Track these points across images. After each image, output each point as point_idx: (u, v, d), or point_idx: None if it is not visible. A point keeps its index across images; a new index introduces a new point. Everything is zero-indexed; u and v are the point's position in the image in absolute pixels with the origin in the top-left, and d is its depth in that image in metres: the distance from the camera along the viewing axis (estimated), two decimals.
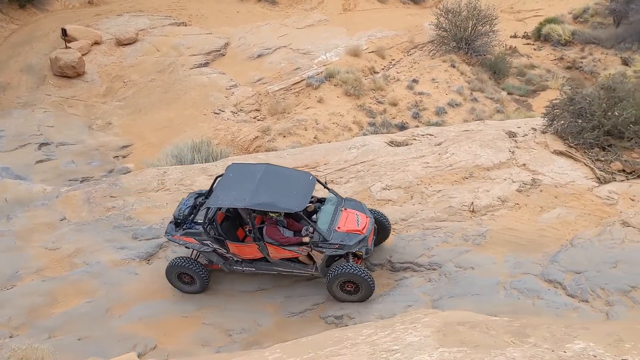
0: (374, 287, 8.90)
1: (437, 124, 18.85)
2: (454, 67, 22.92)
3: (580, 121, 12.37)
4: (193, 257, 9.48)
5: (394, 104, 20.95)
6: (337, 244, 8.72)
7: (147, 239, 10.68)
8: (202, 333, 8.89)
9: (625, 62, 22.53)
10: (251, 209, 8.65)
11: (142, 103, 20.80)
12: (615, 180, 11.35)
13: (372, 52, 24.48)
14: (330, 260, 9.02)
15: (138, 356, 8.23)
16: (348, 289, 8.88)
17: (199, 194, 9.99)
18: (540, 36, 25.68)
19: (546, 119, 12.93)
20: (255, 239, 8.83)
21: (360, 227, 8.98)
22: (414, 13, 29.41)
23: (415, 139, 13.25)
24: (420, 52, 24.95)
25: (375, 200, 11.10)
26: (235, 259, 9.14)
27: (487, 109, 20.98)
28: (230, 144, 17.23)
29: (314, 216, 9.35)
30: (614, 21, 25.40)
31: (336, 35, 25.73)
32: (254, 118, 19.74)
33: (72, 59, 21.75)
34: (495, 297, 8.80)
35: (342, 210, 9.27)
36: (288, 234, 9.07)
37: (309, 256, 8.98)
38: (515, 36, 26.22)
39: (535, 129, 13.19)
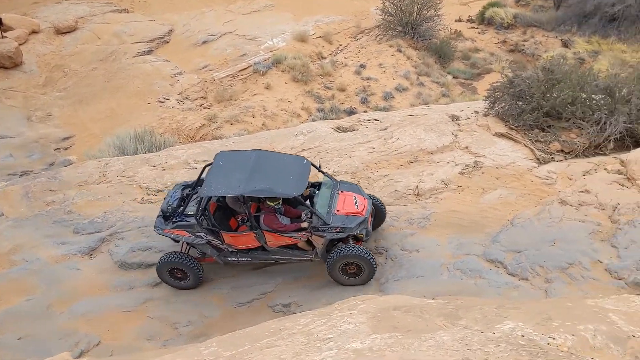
0: (376, 267, 8.81)
1: (385, 109, 18.97)
2: (400, 51, 23.06)
3: (520, 103, 12.66)
4: (183, 251, 9.17)
5: (342, 90, 20.97)
6: (337, 227, 8.55)
7: (88, 233, 10.39)
8: (147, 327, 8.74)
9: (565, 44, 23.13)
10: (247, 197, 8.47)
11: (84, 93, 20.18)
12: (554, 160, 11.68)
13: (319, 37, 24.38)
14: (330, 244, 8.88)
15: (81, 354, 8.05)
16: (350, 271, 8.79)
17: (185, 185, 9.68)
18: (484, 20, 26.07)
19: (488, 102, 13.19)
20: (252, 228, 8.58)
21: (360, 209, 8.85)
22: None
23: (361, 125, 13.30)
24: (367, 37, 24.98)
25: None
26: (230, 249, 8.88)
27: (433, 93, 21.23)
28: (175, 133, 16.92)
29: (309, 201, 9.15)
30: (554, 4, 26.02)
31: (283, 21, 25.51)
32: (200, 106, 19.43)
33: (9, 48, 20.88)
34: (439, 278, 8.94)
35: (338, 194, 9.12)
36: (285, 221, 8.83)
37: (308, 242, 8.82)
38: (459, 20, 26.55)
39: (477, 112, 13.43)
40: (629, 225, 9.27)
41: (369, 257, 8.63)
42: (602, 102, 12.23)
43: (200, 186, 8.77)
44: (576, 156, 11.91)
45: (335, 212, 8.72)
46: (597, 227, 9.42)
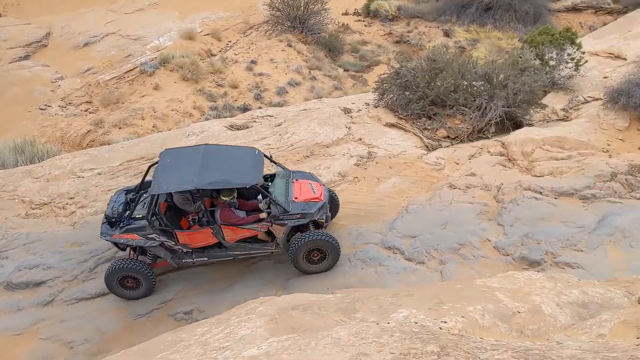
0: (340, 250, 8.76)
1: (279, 104, 18.94)
2: (290, 46, 23.08)
3: (407, 93, 13.07)
4: (132, 257, 8.68)
5: (235, 86, 20.68)
6: (298, 214, 8.45)
7: None
8: (39, 350, 8.19)
9: (447, 34, 24.14)
10: (201, 192, 8.18)
11: None
12: (442, 147, 12.18)
13: (208, 34, 23.94)
14: (290, 234, 8.74)
15: None
16: (314, 258, 8.71)
17: (128, 190, 9.21)
18: (369, 13, 26.61)
19: (377, 93, 13.50)
20: (208, 223, 8.29)
21: (317, 195, 8.79)
22: None
23: (255, 121, 13.18)
24: (256, 32, 24.82)
25: None
26: (185, 250, 8.50)
27: (325, 86, 21.44)
28: (59, 141, 15.96)
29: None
30: None
31: (168, 19, 24.82)
32: (85, 111, 18.46)
33: None
34: (341, 269, 9.06)
35: (293, 182, 9.02)
36: (241, 214, 8.57)
37: (268, 233, 8.63)
38: (346, 13, 26.96)
39: (368, 104, 13.73)
40: (512, 204, 9.83)
41: (333, 242, 8.59)
42: (482, 88, 12.88)
43: (145, 189, 8.51)
44: (462, 141, 12.49)
45: (294, 199, 8.64)
46: (484, 207, 9.92)
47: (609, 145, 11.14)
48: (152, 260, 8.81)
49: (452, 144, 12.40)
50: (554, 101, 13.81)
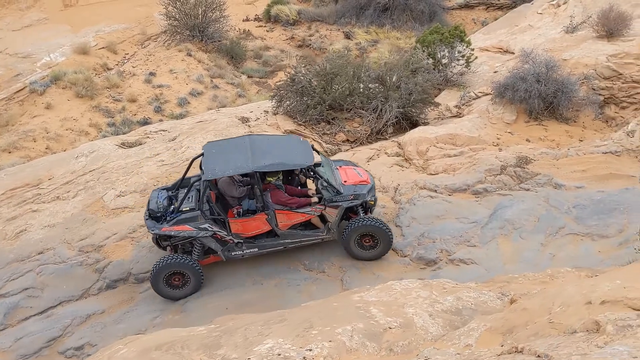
0: (392, 238, 8.64)
1: (181, 116, 18.41)
2: (190, 55, 22.53)
3: (305, 99, 12.96)
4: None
5: (133, 100, 19.91)
6: (351, 195, 8.48)
7: None
8: None
9: (348, 36, 24.33)
10: (255, 176, 8.13)
11: None
12: (341, 151, 12.17)
13: (103, 48, 23.00)
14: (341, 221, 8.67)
15: None
16: (366, 244, 8.61)
17: (166, 189, 9.09)
18: (270, 18, 26.45)
19: (275, 100, 13.32)
20: (263, 208, 8.24)
21: (365, 178, 8.92)
22: (143, 3, 28.13)
23: (148, 137, 12.68)
24: (154, 43, 24.07)
25: (110, 210, 10.35)
26: (236, 240, 8.38)
27: (229, 94, 21.06)
28: None
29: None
30: None
31: (60, 34, 23.69)
32: None
33: None
34: (243, 287, 8.79)
35: (337, 168, 9.08)
36: None
37: (321, 219, 8.60)
38: (247, 19, 26.67)
39: (267, 112, 13.53)
40: (409, 204, 9.91)
41: (384, 228, 8.49)
42: (377, 90, 12.98)
43: (185, 186, 8.57)
44: (361, 144, 12.54)
45: (343, 183, 8.68)
46: (382, 209, 9.93)
47: (498, 139, 11.47)
48: (198, 257, 8.55)
49: (352, 147, 12.41)
50: (448, 98, 14.14)
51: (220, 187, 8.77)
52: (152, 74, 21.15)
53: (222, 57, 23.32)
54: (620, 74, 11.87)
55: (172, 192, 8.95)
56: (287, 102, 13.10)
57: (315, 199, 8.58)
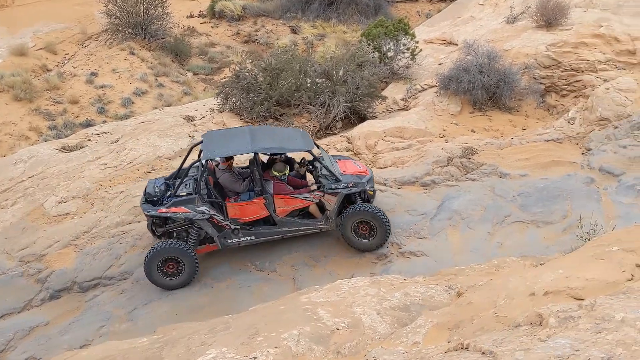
0: (389, 228, 8.57)
1: (125, 116, 17.93)
2: (133, 54, 21.96)
3: (251, 95, 12.78)
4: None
5: (75, 102, 19.29)
6: (350, 183, 8.51)
7: None
8: None
9: (294, 31, 24.18)
10: (257, 156, 8.31)
11: None
12: None
13: (41, 49, 22.24)
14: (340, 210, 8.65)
15: None
16: (362, 231, 8.54)
17: (165, 178, 9.04)
18: (215, 14, 26.07)
19: (220, 98, 13.09)
20: (262, 192, 8.21)
21: (363, 169, 9.02)
22: (83, 2, 27.34)
23: (90, 140, 12.28)
24: (95, 42, 23.39)
25: (51, 218, 9.96)
26: (233, 226, 8.27)
27: (174, 93, 20.62)
28: None
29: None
30: None
31: None
32: None
33: None
34: (192, 290, 8.59)
35: (337, 161, 9.16)
36: None
37: (320, 209, 8.58)
38: (191, 16, 26.22)
39: (213, 110, 13.29)
40: None
41: (380, 215, 8.44)
42: (324, 85, 12.91)
43: (179, 175, 8.56)
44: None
45: (342, 172, 8.75)
46: None
47: (444, 130, 11.58)
48: (193, 244, 8.42)
49: None
50: (395, 91, 14.20)
51: (222, 183, 8.64)
52: (93, 74, 20.55)
53: (167, 54, 22.82)
54: (560, 63, 12.14)
55: (170, 181, 8.91)
56: (233, 100, 12.90)
57: (314, 187, 8.63)
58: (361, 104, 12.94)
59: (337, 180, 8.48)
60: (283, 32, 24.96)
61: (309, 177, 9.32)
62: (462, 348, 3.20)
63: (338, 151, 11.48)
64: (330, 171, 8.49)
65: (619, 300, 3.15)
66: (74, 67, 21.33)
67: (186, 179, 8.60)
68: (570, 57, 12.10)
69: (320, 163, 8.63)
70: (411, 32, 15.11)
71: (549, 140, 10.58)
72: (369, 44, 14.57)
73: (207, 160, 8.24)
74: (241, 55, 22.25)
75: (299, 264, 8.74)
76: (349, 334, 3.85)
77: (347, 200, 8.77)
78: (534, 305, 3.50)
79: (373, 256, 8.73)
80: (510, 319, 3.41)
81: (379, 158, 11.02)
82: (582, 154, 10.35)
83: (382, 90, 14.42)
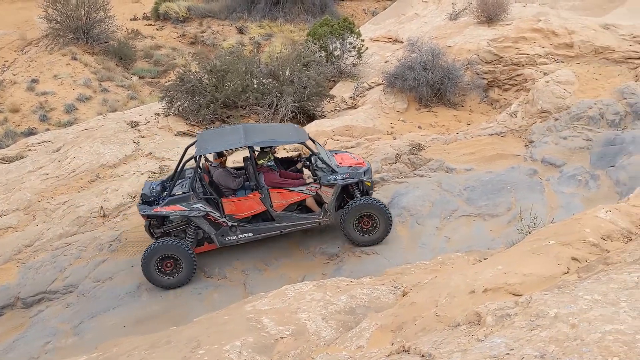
0: (391, 219, 8.49)
1: (69, 123, 17.42)
2: (76, 59, 21.34)
3: (197, 98, 12.59)
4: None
5: (16, 110, 18.66)
6: (346, 174, 8.41)
7: None
8: None
9: (241, 31, 23.97)
10: (251, 150, 8.21)
11: None
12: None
13: None
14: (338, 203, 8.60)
15: None
16: (365, 227, 8.44)
17: (162, 181, 8.99)
18: (159, 16, 25.62)
19: (164, 102, 12.85)
20: (257, 187, 8.20)
21: (360, 161, 8.92)
22: (23, 7, 26.42)
23: (30, 150, 11.88)
24: (36, 48, 22.61)
25: None
26: (230, 223, 8.20)
27: (120, 97, 20.15)
28: None
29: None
30: None
31: None
32: None
33: None
34: (141, 301, 8.39)
35: (333, 155, 9.08)
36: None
37: (318, 203, 8.48)
38: (135, 19, 25.67)
39: (158, 114, 13.04)
40: None
41: (383, 207, 8.38)
42: (271, 85, 12.83)
43: (174, 177, 8.45)
44: None
45: (338, 164, 8.66)
46: None
47: (392, 127, 11.67)
48: (191, 242, 8.38)
49: None
50: (343, 90, 14.23)
51: (216, 180, 8.54)
52: (34, 80, 19.90)
53: (110, 59, 22.29)
54: (501, 58, 12.39)
55: (167, 183, 8.81)
56: (179, 103, 12.68)
57: (310, 180, 8.55)
58: (309, 104, 12.92)
59: (333, 172, 8.41)
60: (229, 32, 24.72)
61: (306, 172, 9.18)
62: (403, 351, 3.20)
63: (287, 152, 11.42)
64: (326, 163, 8.44)
65: (553, 295, 3.19)
66: (14, 75, 20.60)
67: (182, 180, 8.60)
68: (510, 52, 12.35)
69: (316, 156, 8.67)
70: (357, 30, 15.18)
71: (492, 134, 10.78)
72: (315, 44, 14.54)
73: (200, 157, 8.23)
74: (184, 58, 22.01)
75: (249, 269, 8.63)
76: (293, 342, 3.81)
77: (347, 195, 8.78)
78: (474, 303, 3.53)
79: (325, 256, 8.70)
80: (451, 318, 3.43)
81: None
82: (525, 146, 10.59)
83: (331, 89, 14.44)
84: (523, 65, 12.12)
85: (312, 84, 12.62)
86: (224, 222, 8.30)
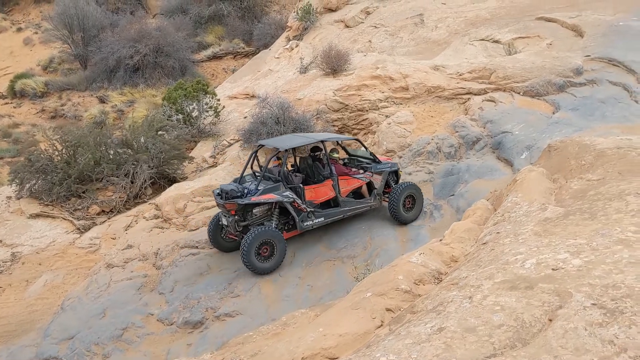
0: (423, 198, 10.30)
1: None
2: None
3: (49, 177, 12.16)
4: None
5: None
6: (389, 164, 10.34)
7: None
8: None
9: (102, 100, 23.54)
10: (323, 143, 9.90)
11: None
12: (97, 224, 11.58)
13: None
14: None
15: None
16: (408, 205, 10.05)
17: (234, 180, 10.03)
18: (16, 93, 24.70)
19: (14, 185, 12.29)
20: (330, 175, 9.78)
21: (389, 158, 11.25)
22: None
23: None
24: None
25: None
26: (308, 209, 9.42)
27: None
28: None
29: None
30: (81, 65, 26.27)
31: None
32: None
33: None
34: None
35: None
36: None
37: (368, 190, 10.29)
38: None
39: (10, 198, 12.42)
40: (172, 267, 9.74)
41: (419, 188, 10.23)
42: (127, 155, 12.67)
43: (242, 177, 9.80)
44: (118, 212, 12.07)
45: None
46: (144, 279, 9.62)
47: None
48: (280, 230, 9.48)
49: (109, 218, 11.90)
50: (204, 149, 14.31)
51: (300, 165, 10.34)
52: None
53: None
54: (347, 105, 13.05)
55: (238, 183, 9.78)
56: (30, 184, 12.17)
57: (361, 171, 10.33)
58: (168, 168, 12.88)
59: (379, 162, 10.28)
60: (91, 103, 24.23)
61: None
62: None
63: (147, 220, 11.30)
64: (370, 158, 10.33)
65: (358, 357, 3.38)
66: None
67: (249, 180, 9.88)
68: (355, 99, 13.05)
69: (356, 156, 10.63)
70: (211, 90, 15.41)
71: None
72: (171, 107, 14.61)
73: (287, 151, 9.81)
74: (44, 134, 21.19)
75: (110, 351, 8.25)
76: None
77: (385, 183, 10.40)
78: None
79: (188, 326, 8.47)
80: None
81: (189, 220, 11.00)
82: None
83: (191, 149, 14.50)
84: (367, 110, 12.83)
85: (168, 149, 12.62)
86: (304, 207, 9.47)
